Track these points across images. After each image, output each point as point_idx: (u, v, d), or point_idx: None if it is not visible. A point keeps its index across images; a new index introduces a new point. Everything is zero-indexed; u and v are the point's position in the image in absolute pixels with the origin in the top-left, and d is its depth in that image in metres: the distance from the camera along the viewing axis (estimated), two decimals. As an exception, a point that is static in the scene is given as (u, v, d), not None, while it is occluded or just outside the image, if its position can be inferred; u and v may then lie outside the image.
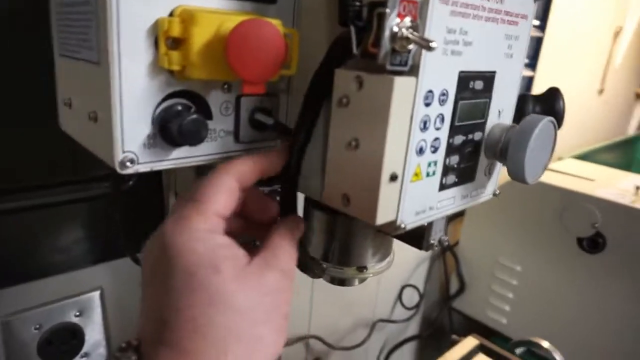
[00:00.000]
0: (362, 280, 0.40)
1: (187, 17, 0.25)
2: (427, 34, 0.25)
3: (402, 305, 1.19)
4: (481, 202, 0.36)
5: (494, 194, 0.37)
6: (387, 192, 0.27)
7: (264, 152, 0.31)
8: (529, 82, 1.11)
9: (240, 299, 0.25)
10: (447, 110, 0.29)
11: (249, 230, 0.34)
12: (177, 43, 0.26)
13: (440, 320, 1.29)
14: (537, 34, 1.09)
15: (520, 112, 0.37)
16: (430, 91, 0.27)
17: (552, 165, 1.22)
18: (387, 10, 0.23)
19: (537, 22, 1.09)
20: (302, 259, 0.35)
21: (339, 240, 0.37)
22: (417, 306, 1.22)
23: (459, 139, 0.31)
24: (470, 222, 1.23)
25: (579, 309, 1.04)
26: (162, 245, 0.26)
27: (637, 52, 1.83)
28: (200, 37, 0.25)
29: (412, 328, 1.29)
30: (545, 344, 0.85)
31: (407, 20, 0.24)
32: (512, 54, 0.33)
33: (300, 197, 0.35)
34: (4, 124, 0.47)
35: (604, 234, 0.97)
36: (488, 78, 0.31)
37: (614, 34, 1.54)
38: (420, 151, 0.28)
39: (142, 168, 0.28)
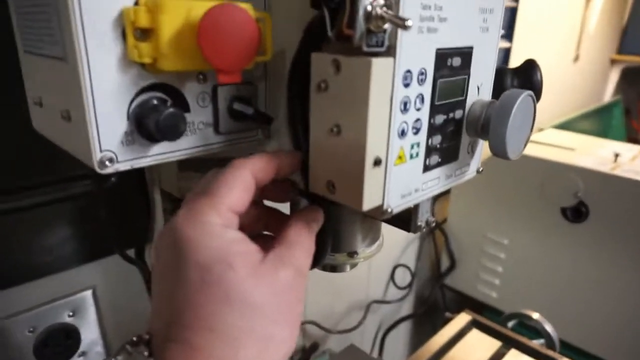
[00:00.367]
0: (353, 266, 0.40)
1: (154, 6, 0.24)
2: (402, 12, 0.25)
3: (395, 285, 1.20)
4: (465, 180, 0.36)
5: (478, 171, 0.38)
6: (372, 177, 0.27)
7: (282, 150, 0.31)
8: (506, 53, 1.11)
9: (254, 297, 0.25)
10: (427, 89, 0.28)
11: (263, 221, 0.34)
12: (145, 34, 0.25)
13: (433, 298, 1.31)
14: (511, 3, 1.09)
15: (498, 86, 0.37)
16: (409, 71, 0.26)
17: (533, 137, 1.23)
18: (360, -10, 0.22)
19: (510, -8, 1.09)
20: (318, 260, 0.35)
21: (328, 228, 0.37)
22: (409, 285, 1.23)
23: (440, 119, 0.30)
24: (456, 199, 1.24)
25: (567, 279, 1.06)
26: (174, 240, 0.25)
27: (610, 18, 1.84)
28: (169, 25, 0.25)
29: (406, 307, 1.31)
30: (536, 315, 0.87)
31: (381, -1, 0.23)
32: (488, 27, 0.32)
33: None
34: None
35: (587, 202, 0.98)
36: (466, 54, 0.31)
37: (585, -1, 1.55)
38: (402, 133, 0.28)
39: (122, 167, 0.27)
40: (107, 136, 0.26)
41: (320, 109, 0.27)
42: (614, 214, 0.96)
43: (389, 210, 0.29)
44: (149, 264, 0.62)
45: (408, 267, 1.22)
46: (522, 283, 1.14)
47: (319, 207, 0.32)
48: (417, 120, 0.29)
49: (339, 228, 0.37)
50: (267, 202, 0.35)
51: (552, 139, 1.21)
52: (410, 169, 0.29)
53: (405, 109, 0.27)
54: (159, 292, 0.26)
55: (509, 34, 1.14)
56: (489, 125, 0.32)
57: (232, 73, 0.26)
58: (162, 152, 0.29)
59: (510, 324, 0.90)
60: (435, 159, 0.31)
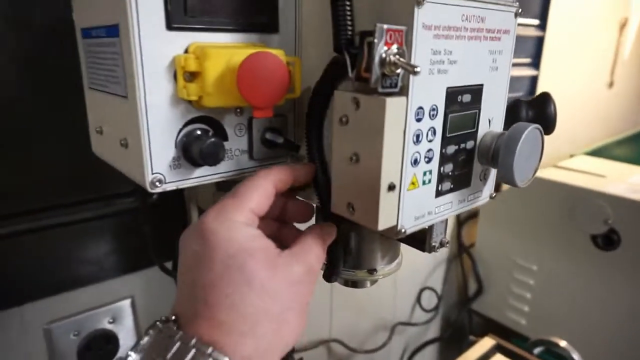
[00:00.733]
0: (373, 282, 0.42)
1: (201, 54, 0.29)
2: (414, 57, 0.28)
3: (421, 307, 1.20)
4: (479, 205, 0.39)
5: (491, 197, 0.40)
6: (386, 201, 0.30)
7: (297, 163, 0.35)
8: (532, 81, 1.12)
9: (271, 284, 0.28)
10: (438, 123, 0.32)
11: (281, 234, 0.37)
12: (193, 76, 0.30)
13: (460, 322, 1.30)
14: (538, 33, 1.10)
15: (513, 117, 0.40)
16: (421, 107, 0.30)
17: (563, 163, 1.23)
18: (375, 40, 0.26)
19: (536, 22, 1.10)
20: (332, 272, 0.38)
21: (349, 246, 0.40)
22: (435, 308, 1.23)
23: (451, 149, 0.33)
24: (485, 224, 1.24)
25: (598, 308, 1.04)
26: (202, 234, 0.29)
27: (645, 43, 1.81)
28: (213, 70, 0.29)
29: (433, 330, 1.30)
30: (563, 343, 0.86)
31: (394, 47, 0.27)
32: (497, 66, 0.35)
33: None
34: (39, 149, 0.52)
35: (618, 230, 0.97)
36: (475, 91, 0.34)
37: (620, 25, 1.54)
38: (415, 162, 0.31)
39: (169, 187, 0.32)
40: (158, 161, 0.31)
41: (342, 140, 0.31)
42: (646, 242, 0.94)
43: (403, 230, 0.32)
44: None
45: (434, 290, 1.22)
46: (552, 310, 1.13)
47: (333, 224, 0.36)
48: (429, 150, 0.32)
49: (359, 246, 0.40)
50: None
51: (582, 166, 1.20)
52: (423, 193, 0.32)
53: (417, 140, 0.30)
54: (186, 280, 0.29)
55: (535, 63, 1.15)
56: (498, 154, 0.35)
57: (265, 109, 0.30)
58: (203, 175, 0.33)
59: (537, 350, 0.89)
60: (447, 185, 0.34)
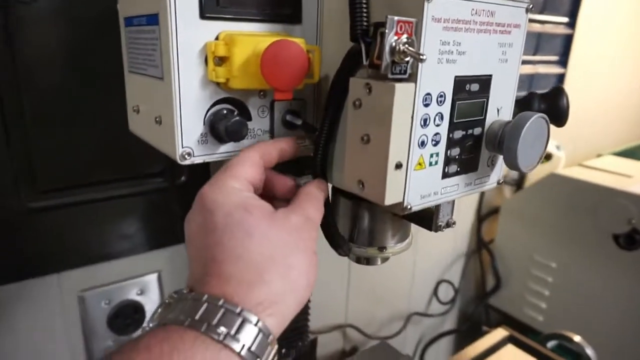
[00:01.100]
0: (383, 260, 0.45)
1: (230, 40, 0.32)
2: (423, 48, 0.31)
3: (438, 300, 1.22)
4: (485, 189, 0.41)
5: (498, 183, 0.42)
6: (393, 178, 0.32)
7: (283, 137, 0.37)
8: (559, 79, 1.12)
9: (272, 234, 0.30)
10: (446, 109, 0.34)
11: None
12: (222, 61, 0.33)
13: (477, 316, 1.31)
14: (567, 31, 1.10)
15: (527, 109, 0.42)
16: (429, 94, 0.32)
17: (589, 162, 1.22)
18: (386, 30, 0.29)
19: (565, 20, 1.10)
20: (334, 237, 0.41)
21: (362, 224, 0.43)
22: (452, 301, 1.25)
23: (458, 134, 0.36)
24: (505, 220, 1.24)
25: (616, 307, 1.03)
26: (202, 204, 0.31)
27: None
28: (239, 55, 0.32)
29: (449, 323, 1.32)
30: (577, 338, 0.87)
31: (404, 37, 0.29)
32: (507, 59, 0.37)
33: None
34: (82, 131, 0.56)
35: (640, 229, 0.97)
36: (484, 81, 0.36)
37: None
38: (422, 144, 0.33)
39: (197, 160, 0.35)
40: (188, 136, 0.34)
41: (355, 122, 0.34)
42: (667, 242, 0.94)
43: (409, 207, 0.34)
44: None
45: (452, 284, 1.24)
46: (569, 308, 1.13)
47: (324, 180, 0.38)
48: (437, 134, 0.34)
49: (371, 225, 0.43)
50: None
51: (609, 166, 1.19)
52: (430, 174, 0.35)
53: (425, 124, 0.33)
54: (194, 248, 0.31)
55: (563, 61, 1.15)
56: (503, 141, 0.37)
57: (286, 92, 0.33)
58: (228, 151, 0.37)
59: (550, 344, 0.90)
60: (453, 168, 0.37)
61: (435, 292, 1.22)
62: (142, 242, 0.67)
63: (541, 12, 1.04)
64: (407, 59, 0.30)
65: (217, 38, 0.33)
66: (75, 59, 0.53)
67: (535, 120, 0.36)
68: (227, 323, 0.26)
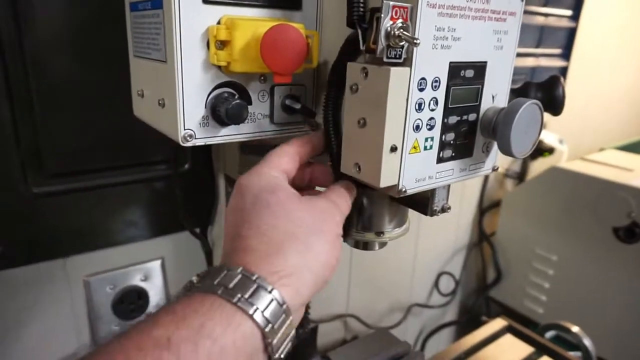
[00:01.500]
0: (381, 245, 0.46)
1: (231, 24, 0.33)
2: (418, 33, 0.31)
3: (439, 291, 1.23)
4: (480, 175, 0.42)
5: (494, 169, 0.43)
6: (388, 161, 0.33)
7: (314, 134, 0.39)
8: (562, 72, 1.12)
9: (294, 213, 0.32)
10: (440, 94, 0.35)
11: None
12: (223, 44, 0.34)
13: (478, 308, 1.32)
14: (570, 24, 1.10)
15: (524, 97, 0.43)
16: (423, 78, 0.33)
17: (591, 156, 1.22)
18: (382, 15, 0.30)
19: (568, 13, 1.10)
20: None
21: (360, 208, 0.44)
22: (453, 293, 1.26)
23: (453, 119, 0.37)
24: (507, 212, 1.25)
25: (616, 300, 1.04)
26: (237, 188, 0.34)
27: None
28: (240, 39, 0.33)
29: (450, 314, 1.33)
30: (575, 328, 0.87)
31: (399, 22, 0.30)
32: (502, 46, 0.38)
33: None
34: (88, 116, 0.57)
35: (640, 223, 0.97)
36: (479, 67, 0.37)
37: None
38: (417, 128, 0.34)
39: (199, 142, 0.36)
40: (190, 118, 0.35)
41: (352, 106, 0.35)
42: (667, 235, 0.94)
43: (404, 190, 0.35)
44: (210, 241, 0.72)
45: (453, 275, 1.25)
46: (569, 300, 1.13)
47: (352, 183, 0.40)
48: (431, 118, 0.35)
49: (370, 210, 0.44)
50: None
51: (611, 159, 1.19)
52: (424, 158, 0.36)
53: (420, 108, 0.34)
54: (228, 226, 0.34)
55: (566, 54, 1.15)
56: (497, 126, 0.37)
57: (285, 75, 0.34)
58: (228, 134, 0.38)
59: (548, 335, 0.91)
60: (448, 152, 0.37)
61: (436, 283, 1.23)
62: (146, 229, 0.68)
63: (544, 5, 1.04)
64: (402, 43, 0.31)
65: (219, 22, 0.34)
66: (82, 45, 0.54)
67: (529, 106, 0.37)
68: (243, 288, 0.28)
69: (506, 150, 0.37)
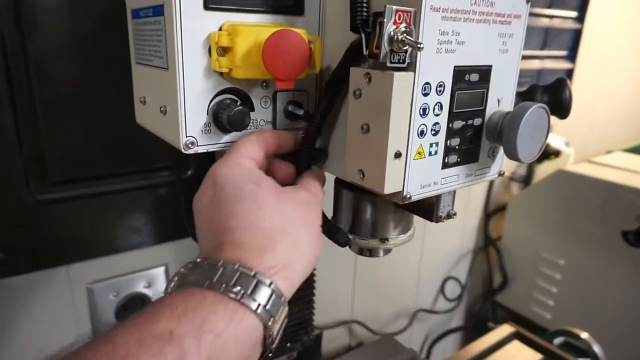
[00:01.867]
0: (386, 252, 0.45)
1: (232, 31, 0.33)
2: (421, 37, 0.31)
3: (444, 296, 1.22)
4: (486, 180, 0.41)
5: (499, 174, 0.42)
6: (393, 167, 0.33)
7: (281, 131, 0.39)
8: (568, 74, 1.11)
9: (281, 206, 0.32)
10: (445, 99, 0.34)
11: None
12: (225, 51, 0.34)
13: (484, 314, 1.31)
14: (576, 25, 1.09)
15: (530, 100, 0.42)
16: (428, 83, 0.33)
17: (598, 159, 1.21)
18: (385, 20, 0.29)
19: (574, 14, 1.09)
20: (329, 229, 0.41)
21: (364, 215, 0.43)
22: (459, 298, 1.25)
23: (458, 124, 0.36)
24: (513, 216, 1.24)
25: (625, 305, 1.03)
26: (214, 179, 0.33)
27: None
28: (242, 45, 0.33)
29: (456, 320, 1.32)
30: (585, 335, 0.86)
31: (402, 26, 0.30)
32: (507, 49, 0.37)
33: (330, 181, 0.42)
34: (90, 124, 0.57)
35: (649, 226, 0.96)
36: (484, 71, 0.36)
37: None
38: (422, 133, 0.34)
39: (201, 149, 0.36)
40: (192, 125, 0.35)
41: (355, 112, 0.34)
42: (676, 239, 0.93)
43: (408, 196, 0.35)
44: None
45: (459, 280, 1.24)
46: (577, 305, 1.12)
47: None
48: (436, 123, 0.34)
49: (374, 217, 0.43)
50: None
51: (618, 162, 1.18)
52: (429, 164, 0.35)
53: (424, 113, 0.33)
54: (206, 221, 0.32)
55: (571, 56, 1.14)
56: (503, 131, 0.37)
57: (287, 81, 0.34)
58: (230, 141, 0.37)
59: (557, 341, 0.90)
60: (453, 158, 0.37)
61: (442, 288, 1.22)
62: (149, 235, 0.68)
63: (549, 6, 1.03)
64: (405, 47, 0.30)
65: (220, 29, 0.34)
66: (85, 51, 0.54)
67: (535, 110, 0.36)
68: (243, 284, 0.28)
69: (512, 155, 0.36)
